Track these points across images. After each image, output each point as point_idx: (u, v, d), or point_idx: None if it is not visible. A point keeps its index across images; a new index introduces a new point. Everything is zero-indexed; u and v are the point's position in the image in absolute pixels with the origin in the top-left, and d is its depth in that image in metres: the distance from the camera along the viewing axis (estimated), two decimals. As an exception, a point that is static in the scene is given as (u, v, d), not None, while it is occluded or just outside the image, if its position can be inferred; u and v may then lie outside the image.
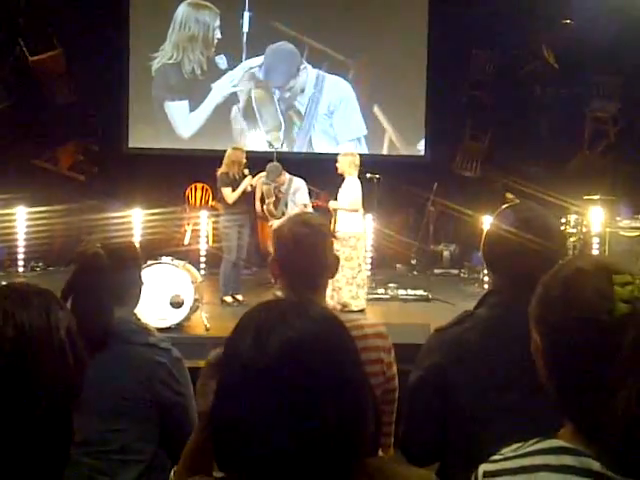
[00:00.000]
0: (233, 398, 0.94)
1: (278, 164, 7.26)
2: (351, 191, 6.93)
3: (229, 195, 6.99)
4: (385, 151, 10.48)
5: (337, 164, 7.04)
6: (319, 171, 7.51)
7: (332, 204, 7.08)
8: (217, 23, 10.26)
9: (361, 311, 6.29)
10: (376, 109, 10.36)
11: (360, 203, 6.98)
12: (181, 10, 10.27)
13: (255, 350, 0.92)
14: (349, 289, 6.69)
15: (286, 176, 7.19)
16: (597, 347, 1.00)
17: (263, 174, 7.23)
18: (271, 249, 6.85)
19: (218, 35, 10.25)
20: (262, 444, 0.90)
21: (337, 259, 2.01)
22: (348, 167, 6.96)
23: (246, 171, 7.12)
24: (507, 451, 1.10)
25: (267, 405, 0.90)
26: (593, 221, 8.38)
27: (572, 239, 8.19)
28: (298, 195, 7.13)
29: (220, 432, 0.95)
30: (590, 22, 8.75)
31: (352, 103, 10.39)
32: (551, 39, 9.81)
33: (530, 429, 1.18)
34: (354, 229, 6.84)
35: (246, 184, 7.03)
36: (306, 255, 1.90)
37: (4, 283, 0.89)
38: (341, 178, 7.05)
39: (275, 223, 7.08)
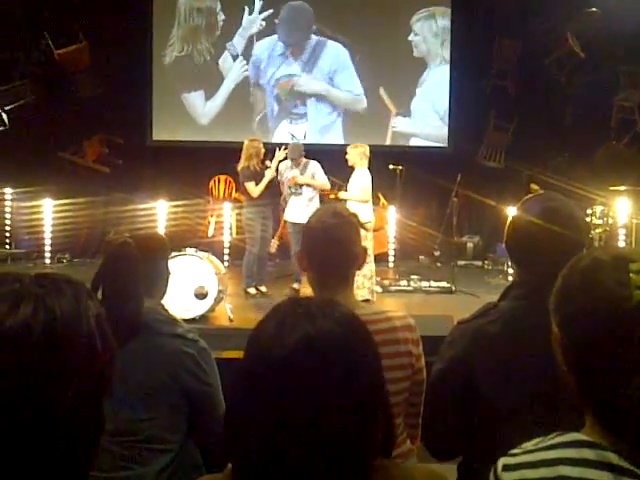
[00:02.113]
0: (249, 382, 0.96)
1: (300, 143, 7.31)
2: (361, 181, 6.92)
3: (254, 189, 6.96)
4: (388, 139, 10.38)
5: (347, 156, 7.03)
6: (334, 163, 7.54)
7: (342, 195, 7.08)
8: (219, 7, 10.24)
9: (366, 301, 6.26)
10: (382, 91, 10.27)
11: (370, 194, 6.97)
12: (182, 2, 10.25)
13: (275, 340, 0.94)
14: (355, 279, 6.66)
15: (303, 160, 7.19)
16: (615, 336, 1.01)
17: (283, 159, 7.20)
18: (275, 246, 6.74)
19: (222, 17, 10.24)
20: (269, 432, 0.92)
21: (365, 250, 2.00)
22: (359, 159, 6.96)
23: (267, 162, 7.11)
24: (527, 445, 1.10)
25: (277, 394, 0.92)
26: (619, 212, 8.28)
27: (598, 230, 8.10)
28: (317, 177, 7.14)
29: (232, 414, 0.98)
30: (616, 10, 8.63)
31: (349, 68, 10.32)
32: (577, 28, 9.67)
33: (554, 421, 1.18)
34: (363, 219, 6.82)
35: (270, 175, 7.02)
36: (335, 246, 1.88)
37: (35, 273, 0.91)
38: (351, 169, 7.04)
39: (287, 215, 7.15)
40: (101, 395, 0.88)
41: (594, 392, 1.05)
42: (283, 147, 7.29)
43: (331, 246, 1.88)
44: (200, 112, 10.36)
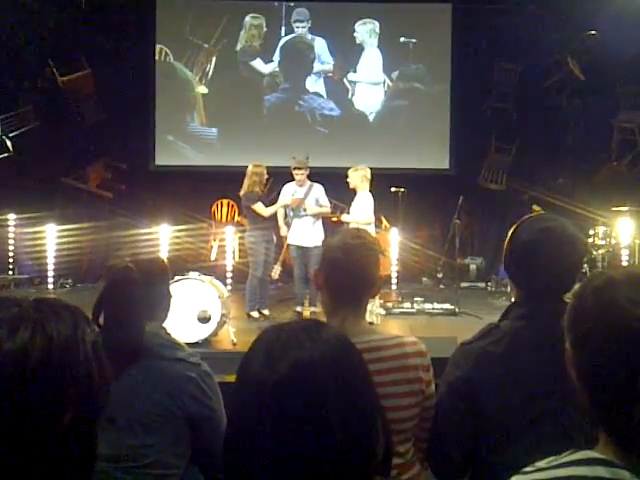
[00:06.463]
0: (244, 413, 0.96)
1: (305, 159, 7.21)
2: (363, 204, 6.94)
3: (264, 210, 7.00)
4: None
5: (348, 179, 7.04)
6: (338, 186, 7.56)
7: (345, 218, 7.08)
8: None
9: (369, 324, 6.23)
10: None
11: (372, 216, 6.99)
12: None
13: (267, 369, 0.94)
14: None
15: (307, 182, 7.20)
16: (629, 355, 1.01)
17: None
18: (277, 272, 6.58)
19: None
20: (270, 460, 0.92)
21: (381, 279, 1.96)
22: (360, 182, 6.97)
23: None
24: (540, 463, 1.10)
25: (276, 421, 0.92)
26: (622, 233, 8.27)
27: (601, 251, 8.09)
28: (321, 201, 7.17)
29: (231, 444, 0.98)
30: (615, 33, 8.70)
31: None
32: (576, 50, 9.75)
33: (560, 440, 1.18)
34: None
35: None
36: (354, 267, 1.86)
37: (34, 297, 0.91)
38: (353, 192, 7.05)
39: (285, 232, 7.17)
40: (96, 420, 0.88)
41: (608, 409, 1.05)
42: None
43: (349, 267, 1.85)
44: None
